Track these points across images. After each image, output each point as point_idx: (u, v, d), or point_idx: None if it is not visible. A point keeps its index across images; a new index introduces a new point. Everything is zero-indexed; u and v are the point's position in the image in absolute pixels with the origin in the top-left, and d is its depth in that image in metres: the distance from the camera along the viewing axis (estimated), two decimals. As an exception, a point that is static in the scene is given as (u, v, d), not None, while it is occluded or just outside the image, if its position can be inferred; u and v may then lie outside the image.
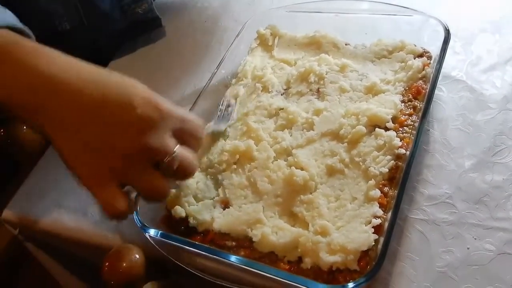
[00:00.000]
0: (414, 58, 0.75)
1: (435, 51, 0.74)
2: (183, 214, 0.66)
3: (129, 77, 0.53)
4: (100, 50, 1.06)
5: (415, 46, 0.77)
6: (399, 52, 0.77)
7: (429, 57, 0.75)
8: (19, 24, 0.57)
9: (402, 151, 0.63)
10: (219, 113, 0.77)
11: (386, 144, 0.65)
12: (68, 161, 0.52)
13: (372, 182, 0.62)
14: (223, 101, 0.79)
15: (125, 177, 0.52)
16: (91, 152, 0.50)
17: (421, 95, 0.70)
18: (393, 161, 0.63)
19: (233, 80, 0.84)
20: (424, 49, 0.76)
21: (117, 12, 0.99)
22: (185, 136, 0.56)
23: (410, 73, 0.73)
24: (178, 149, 0.53)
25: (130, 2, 0.99)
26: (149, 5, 1.01)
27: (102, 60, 1.07)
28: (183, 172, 0.56)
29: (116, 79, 0.52)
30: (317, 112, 0.73)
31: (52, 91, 0.50)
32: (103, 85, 0.51)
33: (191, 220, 0.66)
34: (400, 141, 0.64)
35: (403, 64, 0.75)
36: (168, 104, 0.53)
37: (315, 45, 0.84)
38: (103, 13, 0.96)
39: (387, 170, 0.62)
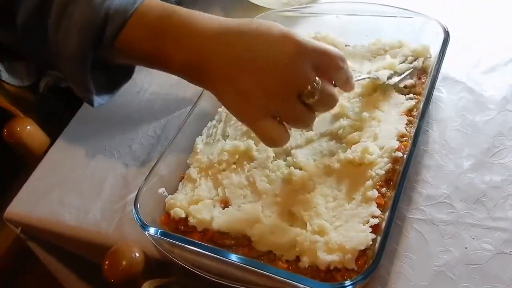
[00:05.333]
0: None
1: (434, 53, 0.74)
2: (183, 215, 0.67)
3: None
4: None
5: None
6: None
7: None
8: None
9: (399, 154, 0.63)
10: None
11: (384, 146, 0.65)
12: (230, 108, 0.61)
13: (369, 182, 0.62)
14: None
15: (275, 111, 0.58)
16: (246, 99, 0.58)
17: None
18: (390, 164, 0.63)
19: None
20: (424, 49, 0.77)
21: None
22: (324, 68, 0.59)
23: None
24: (318, 80, 0.58)
25: None
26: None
27: None
28: (324, 102, 0.60)
29: (256, 29, 0.58)
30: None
31: (210, 49, 0.59)
32: (249, 37, 0.58)
33: (190, 219, 0.66)
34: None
35: (401, 62, 0.76)
36: (305, 38, 0.57)
37: (315, 46, 0.84)
38: None
39: (384, 172, 0.62)
